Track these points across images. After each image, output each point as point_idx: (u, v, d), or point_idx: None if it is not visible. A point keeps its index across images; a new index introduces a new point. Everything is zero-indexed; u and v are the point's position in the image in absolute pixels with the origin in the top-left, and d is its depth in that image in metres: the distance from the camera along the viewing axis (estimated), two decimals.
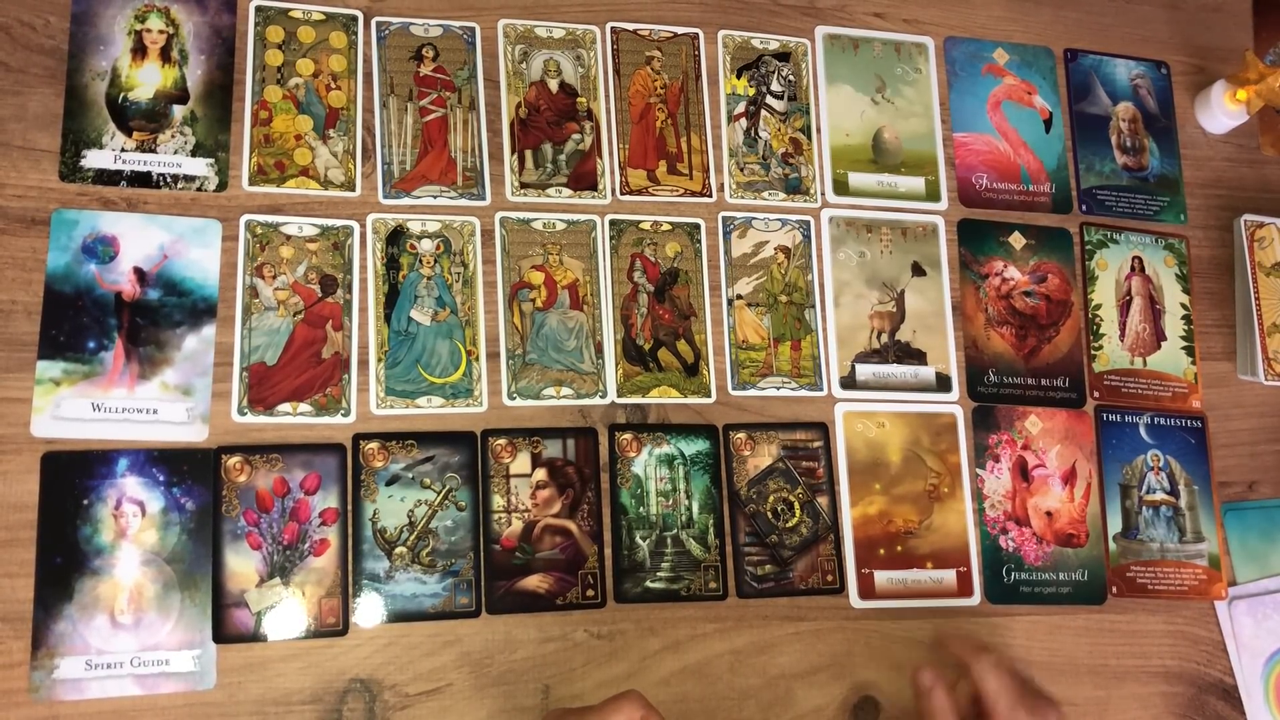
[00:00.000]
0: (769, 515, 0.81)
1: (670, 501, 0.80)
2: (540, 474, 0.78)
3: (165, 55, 0.79)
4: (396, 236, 0.80)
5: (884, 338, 0.87)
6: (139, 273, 0.74)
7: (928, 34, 0.96)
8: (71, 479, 0.70)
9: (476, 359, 0.79)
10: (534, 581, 0.76)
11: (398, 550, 0.74)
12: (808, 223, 0.88)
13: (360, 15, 0.83)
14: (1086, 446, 0.89)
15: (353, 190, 0.80)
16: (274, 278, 0.77)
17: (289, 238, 0.78)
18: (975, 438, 0.87)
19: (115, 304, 0.74)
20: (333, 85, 0.81)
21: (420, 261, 0.80)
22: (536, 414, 0.79)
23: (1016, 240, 0.92)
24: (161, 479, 0.72)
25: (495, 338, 0.80)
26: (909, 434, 0.86)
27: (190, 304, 0.75)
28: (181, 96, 0.78)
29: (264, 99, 0.80)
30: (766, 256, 0.87)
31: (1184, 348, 0.94)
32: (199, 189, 0.77)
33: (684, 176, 0.87)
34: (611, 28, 0.88)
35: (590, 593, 0.77)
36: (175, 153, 0.77)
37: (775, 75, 0.91)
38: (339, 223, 0.79)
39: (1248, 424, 0.94)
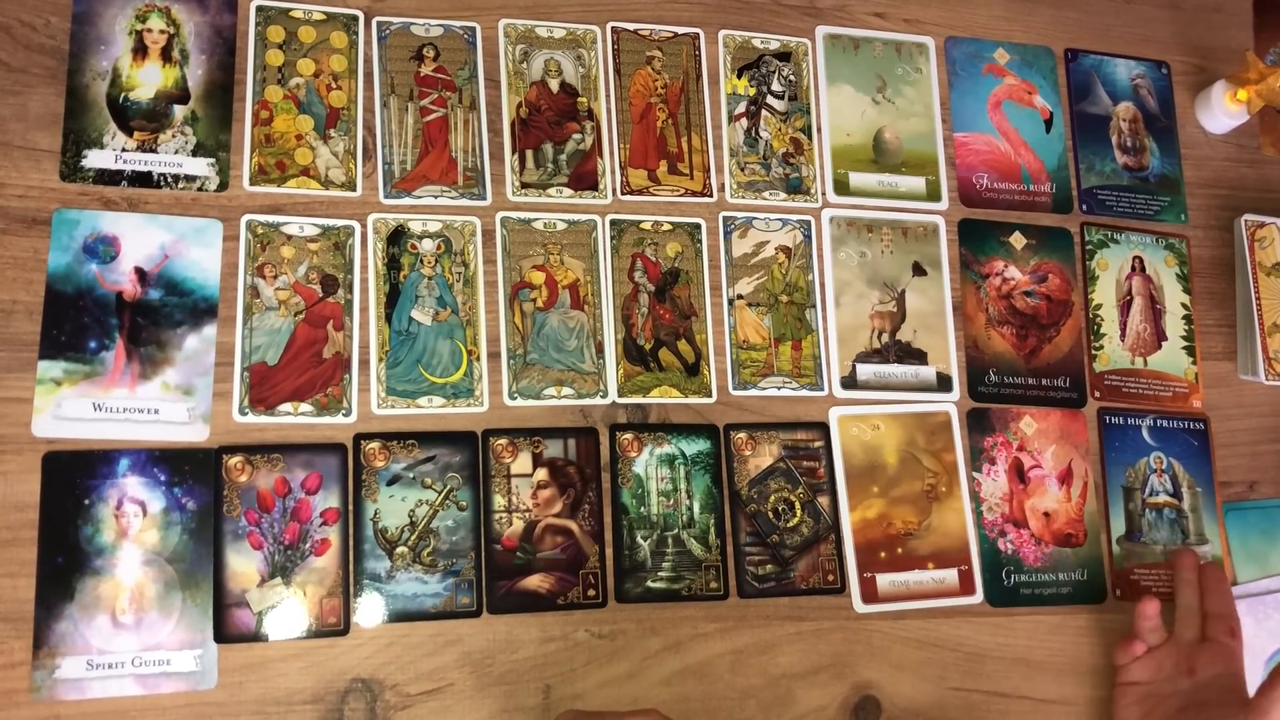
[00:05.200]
0: (770, 515, 0.81)
1: (671, 501, 0.80)
2: (541, 474, 0.78)
3: (166, 55, 0.79)
4: (397, 236, 0.80)
5: (885, 337, 0.87)
6: (140, 272, 0.74)
7: (928, 34, 0.96)
8: (73, 479, 0.70)
9: (477, 359, 0.79)
10: (535, 581, 0.76)
11: (399, 550, 0.74)
12: (808, 222, 0.88)
13: (361, 15, 0.83)
14: (1082, 445, 0.89)
15: (353, 190, 0.80)
16: (275, 277, 0.77)
17: (290, 238, 0.78)
18: (970, 440, 0.87)
19: (116, 304, 0.74)
20: (333, 85, 0.81)
21: (421, 261, 0.80)
22: (537, 414, 0.79)
23: (1017, 240, 0.93)
24: (163, 479, 0.72)
25: (496, 338, 0.80)
26: (904, 435, 0.86)
27: (191, 304, 0.75)
28: (182, 96, 0.78)
29: (265, 99, 0.80)
30: (767, 256, 0.87)
31: (1185, 348, 0.94)
32: (200, 189, 0.77)
33: (685, 176, 0.87)
34: (612, 28, 0.88)
35: (591, 592, 0.77)
36: (176, 152, 0.77)
37: (776, 75, 0.91)
38: (340, 223, 0.79)
39: (1248, 424, 0.94)
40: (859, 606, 0.81)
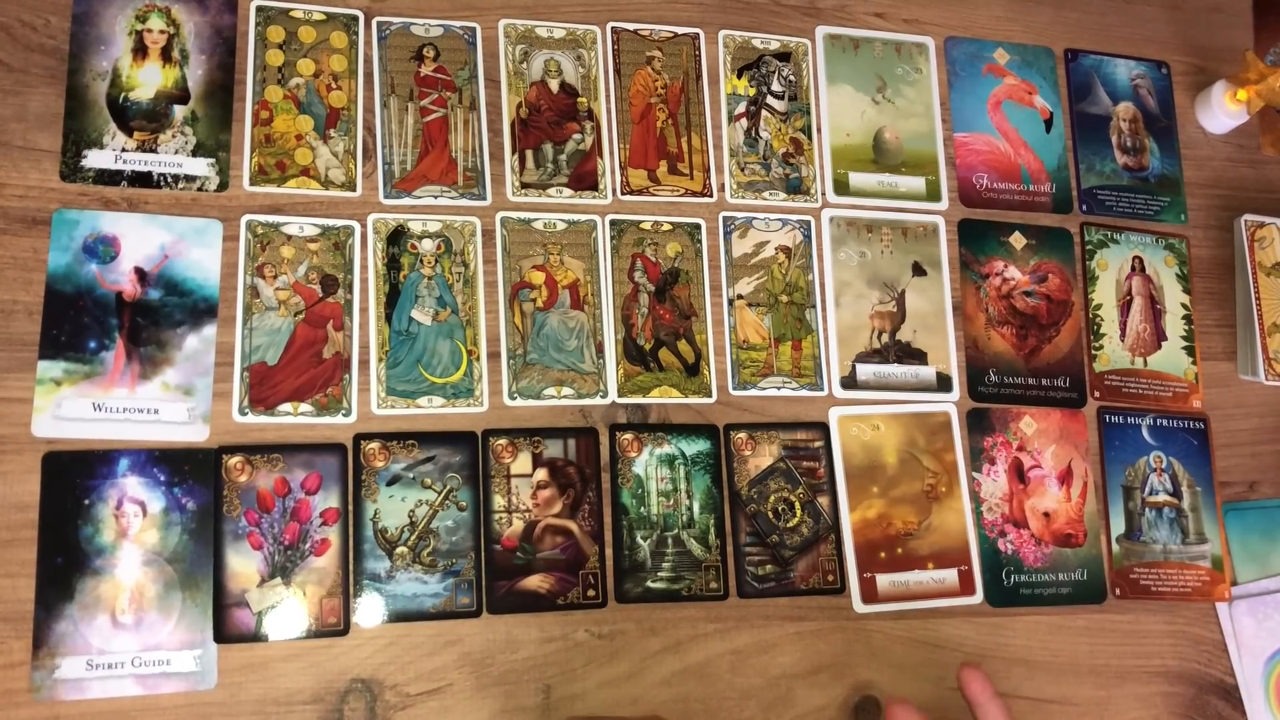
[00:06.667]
0: (770, 515, 0.81)
1: (671, 501, 0.80)
2: (541, 474, 0.78)
3: (166, 55, 0.79)
4: (397, 236, 0.80)
5: (885, 338, 0.87)
6: (140, 273, 0.74)
7: (928, 34, 0.96)
8: (72, 479, 0.70)
9: (477, 359, 0.79)
10: (535, 581, 0.76)
11: (399, 550, 0.74)
12: (808, 223, 0.88)
13: (361, 15, 0.83)
14: (1082, 445, 0.89)
15: (353, 190, 0.80)
16: (275, 278, 0.77)
17: (290, 238, 0.78)
18: (970, 440, 0.87)
19: (116, 304, 0.74)
20: (333, 85, 0.81)
21: (421, 261, 0.80)
22: (537, 414, 0.79)
23: (1017, 240, 0.93)
24: (163, 479, 0.72)
25: (496, 338, 0.80)
26: (904, 435, 0.86)
27: (191, 304, 0.75)
28: (182, 96, 0.78)
29: (265, 99, 0.80)
30: (767, 256, 0.87)
31: (1184, 348, 0.94)
32: (200, 189, 0.77)
33: (685, 176, 0.87)
34: (612, 28, 0.88)
35: (591, 593, 0.77)
36: (176, 153, 0.77)
37: (776, 75, 0.91)
38: (340, 223, 0.79)
39: (1248, 424, 0.94)
40: (859, 607, 0.81)
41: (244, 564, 0.72)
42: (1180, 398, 0.93)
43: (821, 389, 0.85)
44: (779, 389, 0.84)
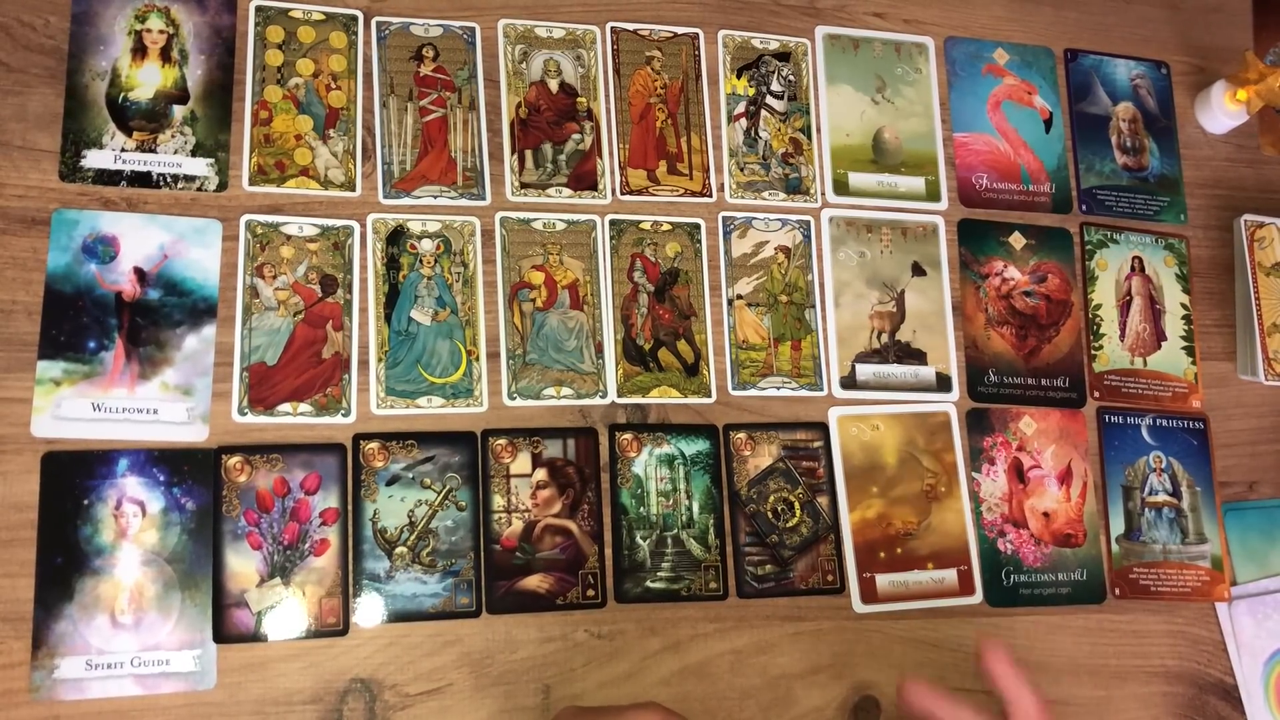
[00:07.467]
0: (769, 515, 0.81)
1: (670, 501, 0.80)
2: (540, 474, 0.78)
3: (165, 55, 0.79)
4: (397, 236, 0.80)
5: (884, 338, 0.87)
6: (139, 273, 0.74)
7: (928, 34, 0.96)
8: (72, 479, 0.70)
9: (477, 359, 0.79)
10: (534, 581, 0.76)
11: (398, 550, 0.74)
12: (808, 223, 0.88)
13: (360, 15, 0.83)
14: (1082, 445, 0.89)
15: (353, 190, 0.80)
16: (274, 278, 0.77)
17: (289, 238, 0.78)
18: (970, 440, 0.87)
19: (115, 304, 0.74)
20: (333, 85, 0.81)
21: (420, 261, 0.80)
22: (537, 414, 0.79)
23: (1016, 240, 0.92)
24: (162, 479, 0.72)
25: (495, 338, 0.80)
26: (904, 435, 0.86)
27: (190, 304, 0.75)
28: (181, 96, 0.78)
29: (264, 99, 0.80)
30: (767, 256, 0.87)
31: (1184, 348, 0.94)
32: (199, 189, 0.77)
33: (684, 176, 0.87)
34: (611, 28, 0.88)
35: (591, 593, 0.77)
36: (175, 153, 0.77)
37: (775, 75, 0.91)
38: (339, 223, 0.79)
39: (1248, 424, 0.94)
40: (858, 606, 0.81)
41: (243, 564, 0.72)
42: (1180, 398, 0.93)
43: (821, 389, 0.85)
44: (778, 389, 0.84)
